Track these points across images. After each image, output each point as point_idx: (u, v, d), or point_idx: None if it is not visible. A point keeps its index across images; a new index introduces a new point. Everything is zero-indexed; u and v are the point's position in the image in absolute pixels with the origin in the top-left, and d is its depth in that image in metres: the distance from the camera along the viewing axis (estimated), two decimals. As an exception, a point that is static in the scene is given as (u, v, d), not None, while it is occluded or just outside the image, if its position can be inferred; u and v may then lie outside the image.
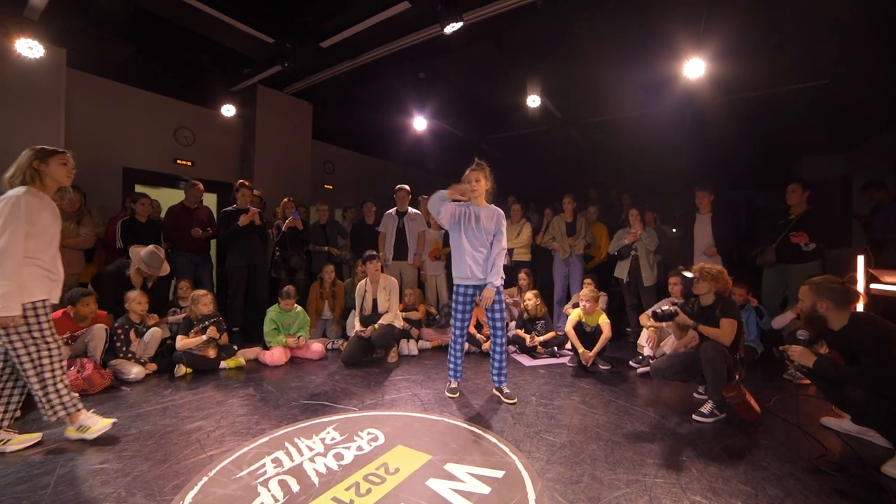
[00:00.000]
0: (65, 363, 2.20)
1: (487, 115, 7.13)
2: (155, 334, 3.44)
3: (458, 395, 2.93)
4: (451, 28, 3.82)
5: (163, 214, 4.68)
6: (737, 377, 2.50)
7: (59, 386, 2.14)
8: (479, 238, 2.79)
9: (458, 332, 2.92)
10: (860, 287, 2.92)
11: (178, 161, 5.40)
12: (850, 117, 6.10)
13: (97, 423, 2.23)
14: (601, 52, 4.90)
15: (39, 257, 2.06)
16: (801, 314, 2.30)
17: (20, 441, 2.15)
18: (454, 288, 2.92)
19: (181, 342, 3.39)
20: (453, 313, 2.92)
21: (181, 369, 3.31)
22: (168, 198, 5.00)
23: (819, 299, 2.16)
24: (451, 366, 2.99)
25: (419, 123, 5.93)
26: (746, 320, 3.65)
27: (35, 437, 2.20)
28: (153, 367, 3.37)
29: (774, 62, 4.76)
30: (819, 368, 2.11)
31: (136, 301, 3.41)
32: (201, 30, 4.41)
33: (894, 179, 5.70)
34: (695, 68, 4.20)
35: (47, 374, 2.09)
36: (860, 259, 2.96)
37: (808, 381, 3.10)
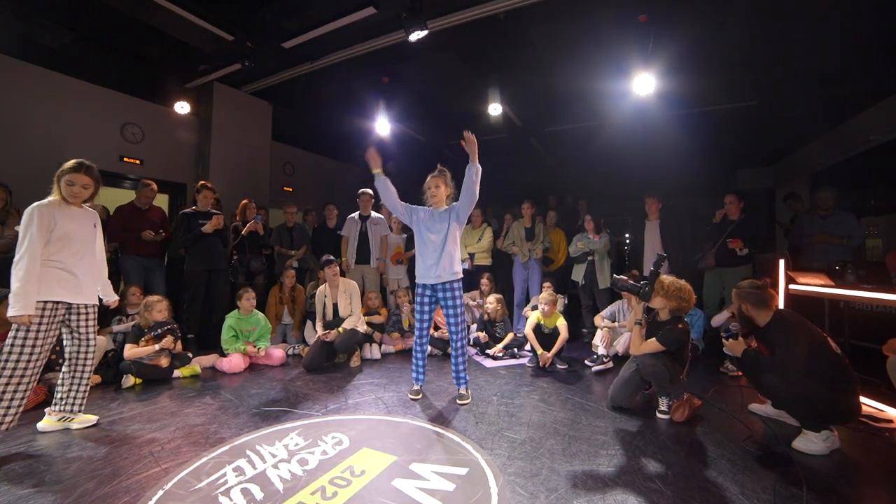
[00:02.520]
0: (29, 373, 2.23)
1: (449, 121, 7.23)
2: (99, 343, 3.21)
3: (420, 396, 2.96)
4: (415, 35, 3.89)
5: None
6: (681, 378, 2.69)
7: (17, 396, 2.18)
8: (432, 237, 2.84)
9: (416, 332, 2.97)
10: (781, 287, 3.28)
11: (125, 159, 5.07)
12: (773, 136, 6.80)
13: None
14: (559, 65, 5.15)
15: (58, 259, 2.27)
16: (735, 314, 2.60)
17: (82, 421, 2.45)
18: (415, 288, 2.97)
19: (130, 351, 3.20)
20: (414, 314, 2.97)
21: (129, 380, 3.13)
22: (113, 197, 4.69)
23: (742, 302, 2.49)
24: (413, 368, 3.03)
25: (381, 127, 5.93)
26: (691, 320, 3.95)
27: (92, 419, 2.48)
28: (97, 378, 3.15)
29: (712, 82, 5.23)
30: (745, 358, 2.42)
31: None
32: (153, 22, 4.18)
33: (808, 191, 6.43)
34: (644, 84, 4.51)
35: (5, 374, 2.15)
36: (781, 262, 3.32)
37: (740, 373, 3.44)
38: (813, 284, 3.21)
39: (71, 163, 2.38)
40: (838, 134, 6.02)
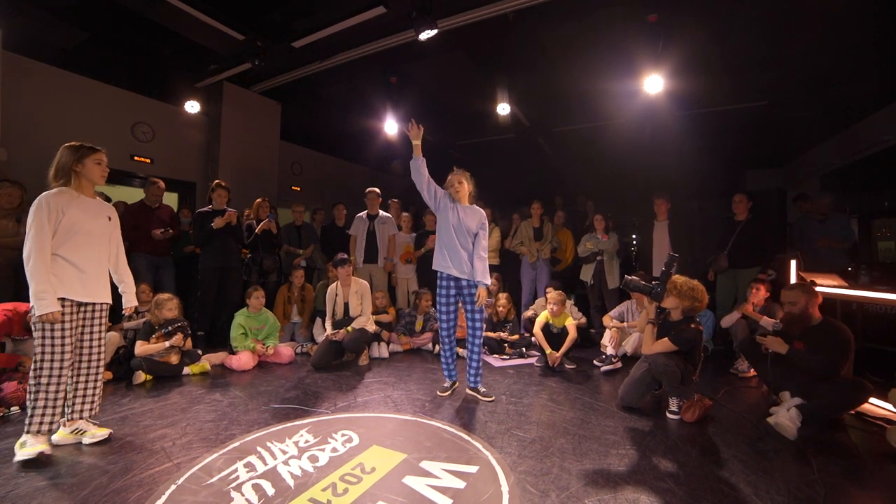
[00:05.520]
0: (64, 374, 2.13)
1: (458, 121, 7.26)
2: (111, 339, 3.25)
3: (449, 393, 2.95)
4: (425, 35, 3.90)
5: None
6: (693, 378, 2.67)
7: (50, 398, 2.08)
8: (461, 235, 2.85)
9: (444, 327, 2.93)
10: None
11: (136, 157, 5.13)
12: (784, 137, 6.73)
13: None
14: (567, 65, 5.14)
15: (61, 253, 2.11)
16: (790, 314, 2.70)
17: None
18: (438, 276, 2.92)
19: (141, 348, 3.23)
20: (437, 306, 2.94)
21: (140, 377, 3.15)
22: (125, 196, 4.74)
23: (809, 297, 2.61)
24: (444, 365, 3.01)
25: (390, 127, 5.95)
26: (700, 321, 3.91)
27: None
28: (108, 375, 3.18)
29: (721, 82, 5.19)
30: (790, 355, 2.59)
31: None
32: (164, 21, 4.23)
33: (818, 193, 6.35)
34: (654, 84, 4.49)
35: (43, 380, 2.06)
36: (793, 263, 3.28)
37: (750, 374, 3.41)
38: (827, 286, 3.17)
39: (78, 143, 2.21)
40: (851, 134, 5.94)
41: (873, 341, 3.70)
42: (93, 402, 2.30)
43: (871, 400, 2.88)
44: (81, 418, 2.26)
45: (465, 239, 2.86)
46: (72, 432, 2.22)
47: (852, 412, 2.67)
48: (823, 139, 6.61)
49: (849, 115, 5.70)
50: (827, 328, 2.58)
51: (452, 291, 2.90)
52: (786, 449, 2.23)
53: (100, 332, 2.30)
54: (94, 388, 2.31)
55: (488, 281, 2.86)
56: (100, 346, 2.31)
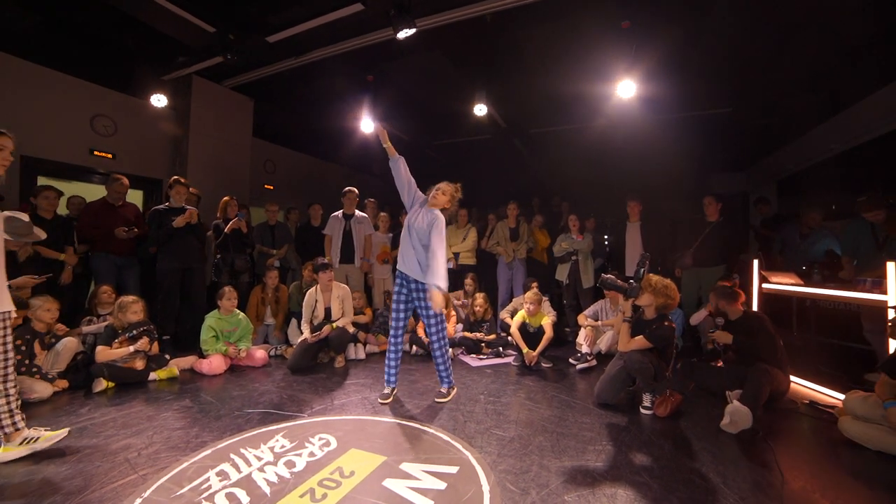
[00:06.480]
0: None
1: (434, 121, 7.25)
2: (69, 344, 3.06)
3: (389, 401, 2.82)
4: (403, 34, 3.87)
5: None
6: (666, 374, 2.77)
7: None
8: (413, 233, 2.79)
9: (392, 328, 2.85)
10: (755, 286, 3.44)
11: (96, 152, 4.84)
12: (746, 142, 7.10)
13: None
14: (544, 68, 5.23)
15: None
16: (713, 310, 3.03)
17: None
18: (395, 278, 2.90)
19: (102, 353, 3.04)
20: (391, 308, 2.88)
21: (101, 384, 2.97)
22: (83, 193, 4.47)
23: (719, 299, 2.96)
24: (385, 366, 2.90)
25: (366, 126, 5.88)
26: (673, 319, 4.06)
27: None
28: (63, 383, 2.98)
29: (690, 89, 5.41)
30: (735, 342, 2.91)
31: (42, 308, 2.97)
32: (128, 9, 4.01)
33: (776, 196, 6.73)
34: (626, 89, 4.62)
35: None
36: (755, 263, 3.46)
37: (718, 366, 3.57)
38: (784, 283, 3.36)
39: None
40: (805, 142, 6.31)
41: (825, 335, 3.95)
42: (12, 416, 2.06)
43: (822, 390, 3.10)
44: (25, 426, 2.08)
45: (416, 238, 2.77)
46: (22, 443, 2.03)
47: (806, 401, 2.88)
48: (780, 146, 6.99)
49: (801, 124, 6.05)
50: (747, 318, 2.97)
51: (403, 290, 2.85)
52: (750, 440, 2.34)
53: (4, 341, 2.04)
54: (12, 403, 2.06)
55: (442, 284, 2.62)
56: (5, 353, 2.04)
